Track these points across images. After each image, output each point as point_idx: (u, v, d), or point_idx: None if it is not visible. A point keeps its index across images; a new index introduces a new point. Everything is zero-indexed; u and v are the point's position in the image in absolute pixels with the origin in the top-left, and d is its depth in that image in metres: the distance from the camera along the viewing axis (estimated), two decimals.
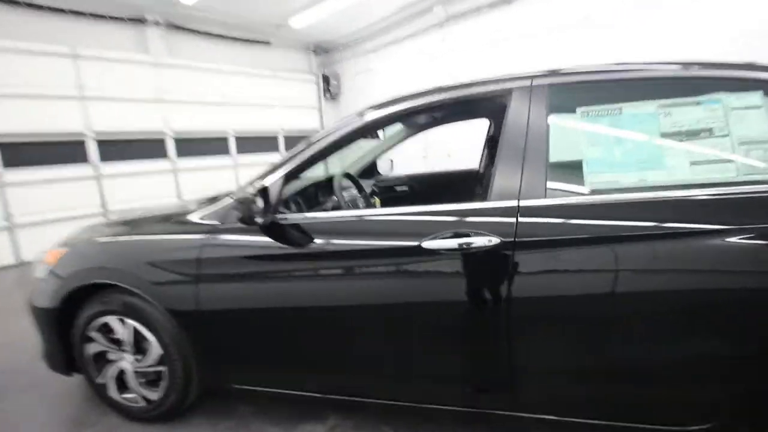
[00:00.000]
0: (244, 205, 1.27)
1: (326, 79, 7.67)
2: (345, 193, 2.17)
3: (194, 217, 1.50)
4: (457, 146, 5.74)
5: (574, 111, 1.21)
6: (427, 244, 1.17)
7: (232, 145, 6.34)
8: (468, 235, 1.15)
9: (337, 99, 7.82)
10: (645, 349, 1.09)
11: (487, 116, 2.51)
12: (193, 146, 5.91)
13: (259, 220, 1.27)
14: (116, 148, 5.26)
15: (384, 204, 2.70)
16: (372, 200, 2.51)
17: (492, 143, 2.22)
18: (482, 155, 2.71)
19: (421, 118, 2.29)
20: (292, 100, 7.12)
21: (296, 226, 1.35)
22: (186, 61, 5.84)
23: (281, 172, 1.38)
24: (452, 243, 1.16)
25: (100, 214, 5.11)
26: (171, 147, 5.70)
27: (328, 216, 1.38)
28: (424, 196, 2.83)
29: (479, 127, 2.80)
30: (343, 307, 1.30)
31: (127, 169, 5.35)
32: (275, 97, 6.85)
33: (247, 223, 1.30)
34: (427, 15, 5.91)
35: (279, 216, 1.36)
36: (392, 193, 2.83)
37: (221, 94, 6.13)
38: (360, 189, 2.15)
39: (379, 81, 6.91)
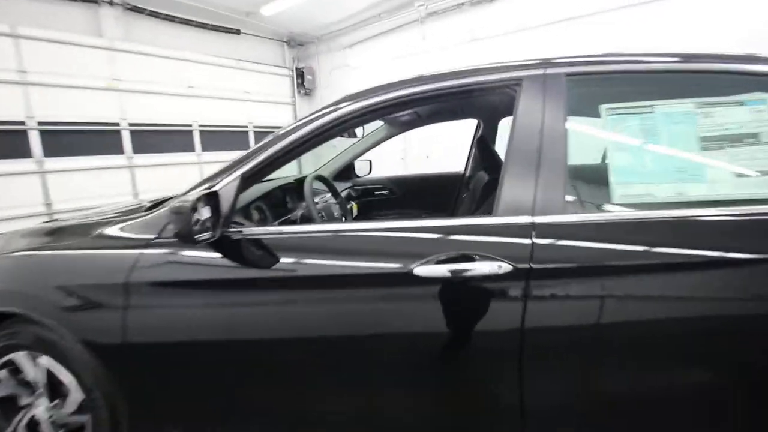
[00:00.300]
0: (180, 216, 0.97)
1: (301, 74, 7.31)
2: (318, 198, 1.91)
3: (123, 229, 1.20)
4: (435, 147, 5.57)
5: (596, 108, 1.00)
6: (420, 270, 0.93)
7: (197, 140, 5.88)
8: (471, 260, 0.92)
9: (312, 95, 7.49)
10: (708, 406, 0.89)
11: (476, 116, 2.31)
12: (152, 140, 5.41)
13: (202, 236, 0.99)
14: (64, 141, 4.73)
15: (362, 209, 2.45)
16: (349, 206, 2.26)
17: (482, 145, 2.01)
18: (469, 158, 2.51)
19: (407, 114, 2.06)
20: (263, 94, 6.72)
21: (256, 242, 1.08)
22: (145, 46, 5.35)
23: (237, 173, 1.11)
24: (451, 269, 0.92)
25: (43, 214, 4.58)
26: (127, 140, 5.20)
27: (296, 230, 1.12)
28: (405, 200, 2.60)
29: (459, 128, 2.60)
30: (309, 343, 1.04)
31: (77, 165, 4.83)
32: (245, 90, 6.43)
33: (184, 240, 1.01)
34: (407, 10, 5.69)
35: (233, 229, 1.09)
36: (371, 197, 2.59)
37: (185, 85, 5.66)
38: (335, 194, 1.89)
39: (356, 78, 6.64)
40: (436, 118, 2.31)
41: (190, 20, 5.77)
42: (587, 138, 1.01)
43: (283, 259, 1.04)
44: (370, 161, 2.66)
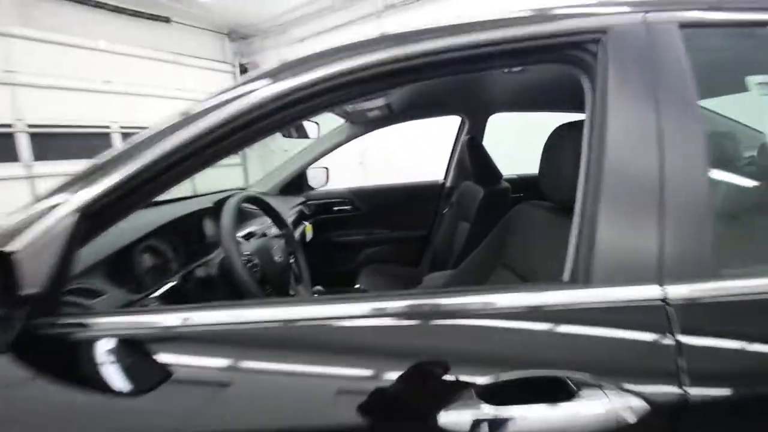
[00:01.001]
0: None
1: (244, 70, 6.60)
2: (255, 227, 1.34)
3: None
4: (398, 150, 5.13)
5: (740, 81, 0.57)
6: (450, 418, 0.44)
7: (118, 144, 4.98)
8: (568, 394, 0.44)
9: None
10: None
11: (460, 112, 1.88)
12: (59, 145, 4.49)
13: None
14: None
15: (318, 230, 1.92)
16: (301, 227, 1.72)
17: (472, 147, 1.57)
18: (450, 164, 2.07)
19: (376, 108, 1.56)
20: (200, 92, 5.91)
21: (105, 343, 0.53)
22: (48, 33, 4.43)
23: (69, 209, 0.55)
24: (516, 416, 0.44)
25: None
26: (25, 145, 4.25)
27: (201, 318, 0.56)
28: (370, 218, 2.11)
29: (422, 128, 2.17)
30: None
31: None
32: (179, 87, 5.61)
33: None
34: (363, 2, 5.23)
35: (67, 320, 0.53)
36: (328, 214, 2.06)
37: (101, 80, 4.78)
38: (280, 223, 1.26)
39: None
40: (411, 114, 1.84)
41: (106, 4, 4.90)
42: (732, 135, 0.58)
43: (159, 388, 0.50)
44: (327, 169, 2.14)
